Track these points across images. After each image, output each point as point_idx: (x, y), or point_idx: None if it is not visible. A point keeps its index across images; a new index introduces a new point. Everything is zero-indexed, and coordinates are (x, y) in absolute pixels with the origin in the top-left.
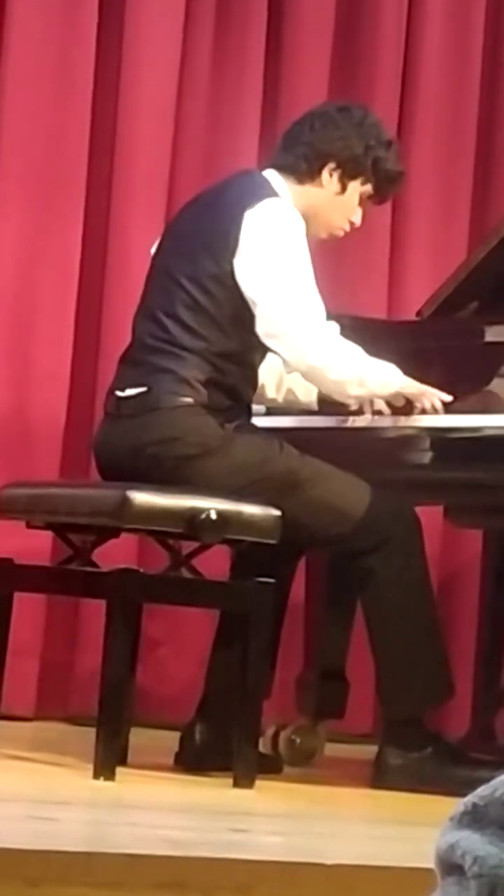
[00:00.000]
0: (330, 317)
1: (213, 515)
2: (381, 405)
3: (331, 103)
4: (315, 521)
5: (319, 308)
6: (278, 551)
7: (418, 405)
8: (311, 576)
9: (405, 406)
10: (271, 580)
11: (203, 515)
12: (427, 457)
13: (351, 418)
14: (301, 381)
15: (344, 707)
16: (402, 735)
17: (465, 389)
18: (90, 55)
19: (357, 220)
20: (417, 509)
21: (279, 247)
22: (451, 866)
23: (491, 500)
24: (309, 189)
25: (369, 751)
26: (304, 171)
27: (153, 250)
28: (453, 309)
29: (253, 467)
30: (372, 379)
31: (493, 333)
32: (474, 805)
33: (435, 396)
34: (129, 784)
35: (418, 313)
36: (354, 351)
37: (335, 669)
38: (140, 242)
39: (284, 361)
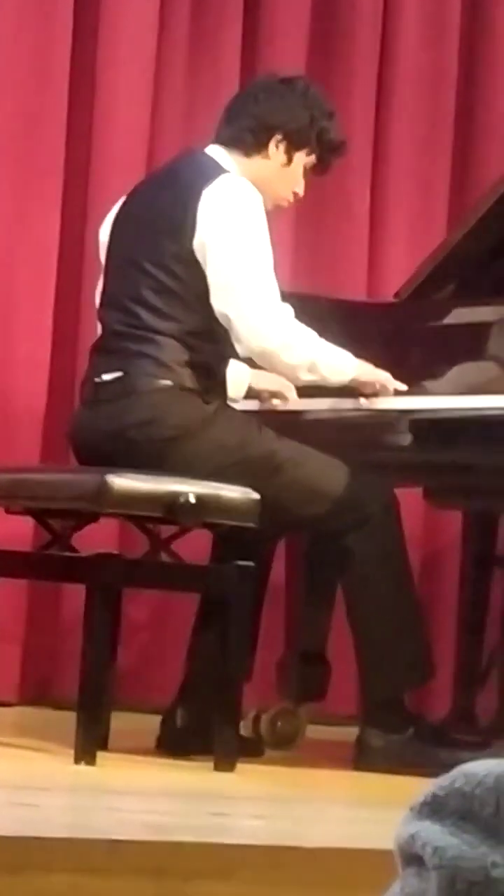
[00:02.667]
0: (284, 297)
1: (192, 499)
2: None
3: (272, 75)
4: (294, 501)
5: (274, 290)
6: (257, 534)
7: (368, 391)
8: (290, 558)
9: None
10: (251, 563)
11: (182, 499)
12: (406, 439)
13: (329, 401)
14: (231, 374)
15: (325, 689)
16: (383, 717)
17: (442, 371)
18: (67, 41)
19: (300, 190)
20: (397, 491)
21: (237, 225)
22: (411, 857)
23: (469, 482)
24: (255, 161)
25: (351, 733)
26: (251, 143)
27: (104, 237)
28: (431, 290)
29: (232, 449)
30: (324, 365)
31: (472, 315)
32: (434, 796)
33: (389, 383)
34: (111, 769)
35: (396, 295)
36: (307, 335)
37: (316, 652)
38: None
39: (237, 341)
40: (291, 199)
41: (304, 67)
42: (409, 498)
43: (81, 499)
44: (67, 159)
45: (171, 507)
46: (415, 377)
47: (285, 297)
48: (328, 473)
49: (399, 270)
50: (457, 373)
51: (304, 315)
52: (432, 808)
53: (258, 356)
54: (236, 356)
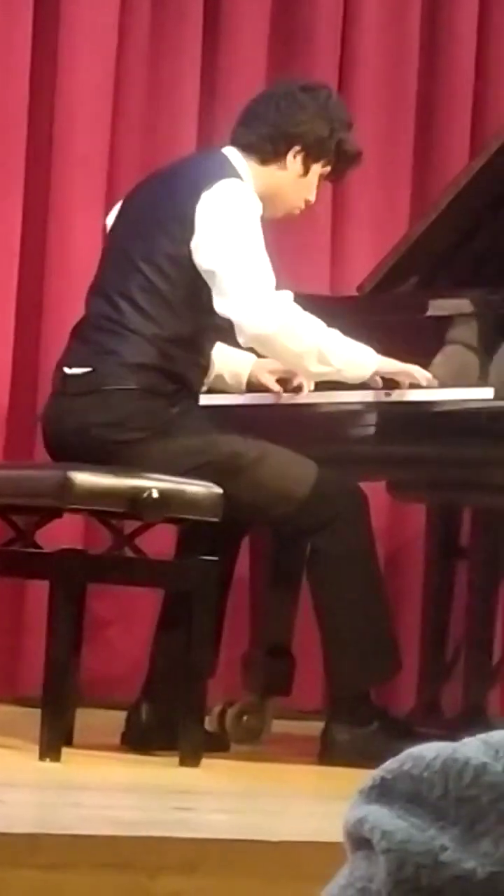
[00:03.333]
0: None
1: (155, 494)
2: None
3: (294, 81)
4: (261, 502)
5: (268, 275)
6: (222, 529)
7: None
8: (255, 553)
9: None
10: (215, 558)
11: (145, 494)
12: (369, 432)
13: (293, 395)
14: (228, 366)
15: (290, 684)
16: (349, 711)
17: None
18: (27, 34)
19: (312, 198)
20: (361, 484)
21: (234, 223)
22: (359, 841)
23: (433, 475)
24: (271, 170)
25: (316, 727)
26: (269, 152)
27: (109, 222)
28: (393, 284)
29: (196, 452)
30: (336, 355)
31: (434, 308)
32: (382, 779)
33: (417, 375)
34: (75, 765)
35: (359, 289)
36: (312, 322)
37: (281, 646)
38: (81, 222)
39: (240, 331)
40: (303, 206)
41: (266, 59)
42: (373, 491)
43: (45, 495)
44: (28, 155)
45: (135, 503)
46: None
47: None
48: (295, 473)
49: (361, 264)
50: (420, 366)
51: None
52: (381, 792)
53: (256, 342)
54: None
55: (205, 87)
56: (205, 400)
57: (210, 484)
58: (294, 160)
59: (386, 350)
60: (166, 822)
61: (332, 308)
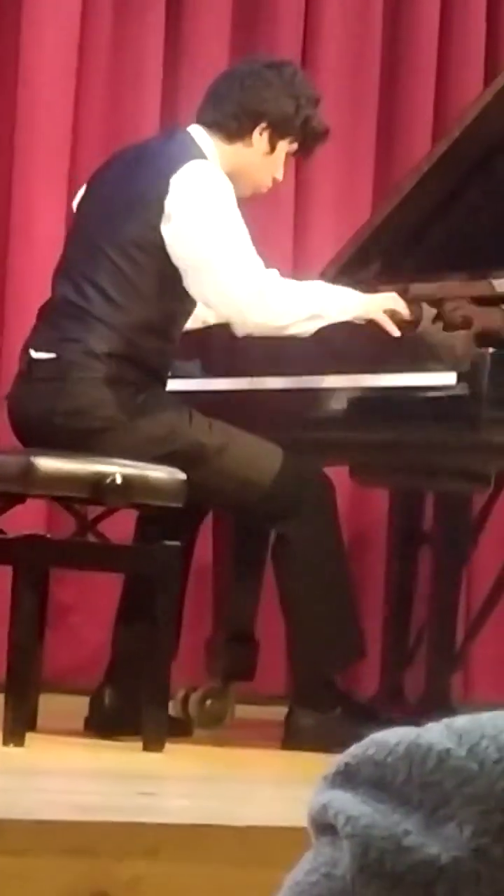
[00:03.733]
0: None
1: (119, 480)
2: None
3: (258, 59)
4: (227, 490)
5: (253, 259)
6: (181, 513)
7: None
8: (218, 537)
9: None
10: (177, 543)
11: (108, 480)
12: (332, 416)
13: (257, 379)
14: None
15: (254, 668)
16: (313, 696)
17: (368, 349)
18: None
19: (280, 176)
20: (325, 470)
21: (210, 210)
22: (324, 826)
23: (395, 460)
24: (238, 148)
25: (280, 712)
26: (234, 129)
27: (76, 202)
28: (357, 269)
29: (161, 441)
30: (328, 310)
31: (397, 293)
32: (346, 764)
33: (398, 305)
34: (39, 750)
35: (322, 274)
36: (300, 292)
37: (244, 631)
38: (44, 207)
39: (239, 325)
40: (270, 184)
41: (229, 43)
42: (336, 476)
43: (7, 480)
44: None
45: (98, 488)
46: (341, 356)
47: None
48: (261, 460)
49: (324, 249)
50: (382, 351)
51: None
52: (345, 777)
53: (257, 331)
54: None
55: (168, 67)
56: (171, 385)
57: (173, 469)
58: (260, 137)
59: (349, 335)
60: (130, 808)
61: None
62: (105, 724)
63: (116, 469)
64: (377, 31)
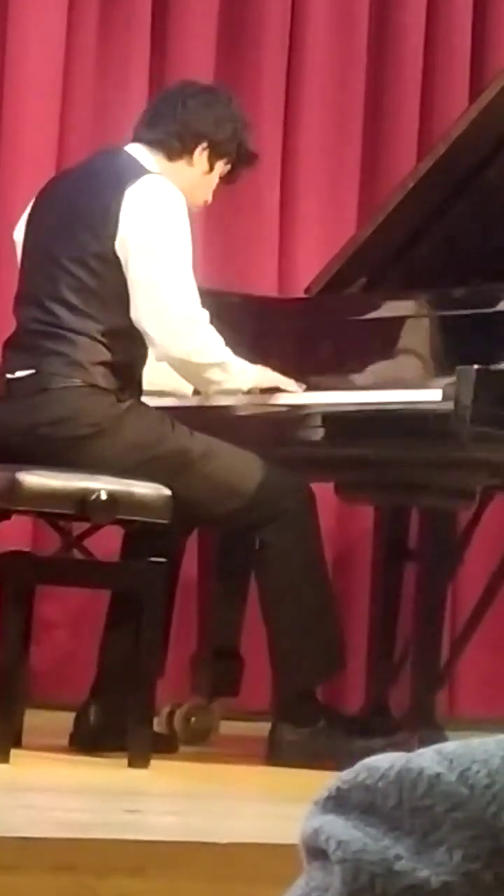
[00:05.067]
0: (206, 302)
1: (104, 496)
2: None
3: (195, 82)
4: (209, 497)
5: (195, 296)
6: (167, 530)
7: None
8: (203, 554)
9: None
10: (163, 560)
11: (93, 496)
12: (315, 434)
13: (242, 397)
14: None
15: (238, 685)
16: (295, 710)
17: (353, 366)
18: None
19: (210, 198)
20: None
21: (159, 228)
22: (315, 851)
23: (381, 477)
24: (180, 166)
25: (265, 728)
26: (177, 148)
27: (18, 235)
28: (341, 285)
29: (145, 447)
30: (233, 366)
31: (381, 310)
32: (338, 789)
33: (289, 386)
34: (24, 766)
35: (307, 290)
36: (219, 338)
37: (229, 647)
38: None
39: (154, 348)
40: (202, 205)
41: (214, 58)
42: (321, 492)
43: None
44: None
45: (84, 504)
46: (325, 372)
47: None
48: (242, 469)
49: (309, 266)
50: (368, 368)
51: (213, 311)
52: (336, 802)
53: (176, 362)
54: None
55: (153, 90)
56: (154, 402)
57: (159, 485)
58: (201, 157)
59: (334, 351)
60: (115, 824)
61: (280, 309)
62: (90, 740)
63: (102, 485)
64: (362, 49)
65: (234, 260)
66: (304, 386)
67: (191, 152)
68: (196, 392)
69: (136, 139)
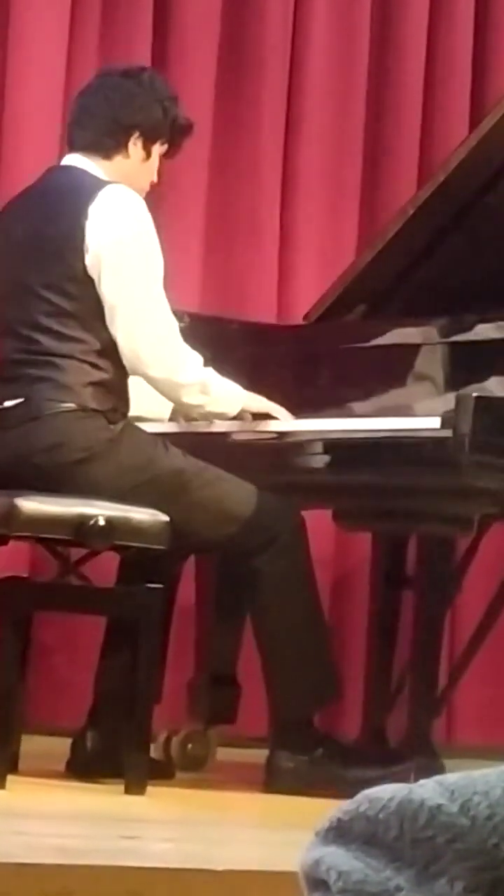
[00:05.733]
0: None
1: (101, 522)
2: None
3: (114, 70)
4: (202, 521)
5: (168, 313)
6: (163, 556)
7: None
8: (200, 580)
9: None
10: (159, 586)
11: (91, 522)
12: (313, 461)
13: (237, 423)
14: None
15: (235, 711)
16: (292, 737)
17: (351, 393)
18: None
19: (155, 179)
20: (307, 513)
21: (128, 245)
22: (316, 882)
23: (379, 504)
24: (118, 161)
25: (261, 755)
26: (111, 145)
27: None
28: (340, 313)
29: (140, 469)
30: (215, 388)
31: (380, 337)
32: (339, 820)
33: (280, 414)
34: (20, 792)
35: (305, 317)
36: (197, 356)
37: (226, 674)
38: None
39: (132, 368)
40: (148, 188)
41: (214, 84)
42: (319, 519)
43: None
44: None
45: (81, 530)
46: (324, 399)
47: (194, 319)
48: (236, 494)
49: (309, 292)
50: (366, 395)
51: (212, 337)
52: (337, 833)
53: (154, 381)
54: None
55: None
56: (146, 427)
57: (156, 511)
58: (135, 146)
59: (333, 378)
60: (111, 851)
61: (278, 336)
62: (87, 766)
63: (99, 511)
64: (363, 75)
65: (234, 286)
66: (291, 417)
67: (125, 145)
68: (174, 417)
69: (70, 145)
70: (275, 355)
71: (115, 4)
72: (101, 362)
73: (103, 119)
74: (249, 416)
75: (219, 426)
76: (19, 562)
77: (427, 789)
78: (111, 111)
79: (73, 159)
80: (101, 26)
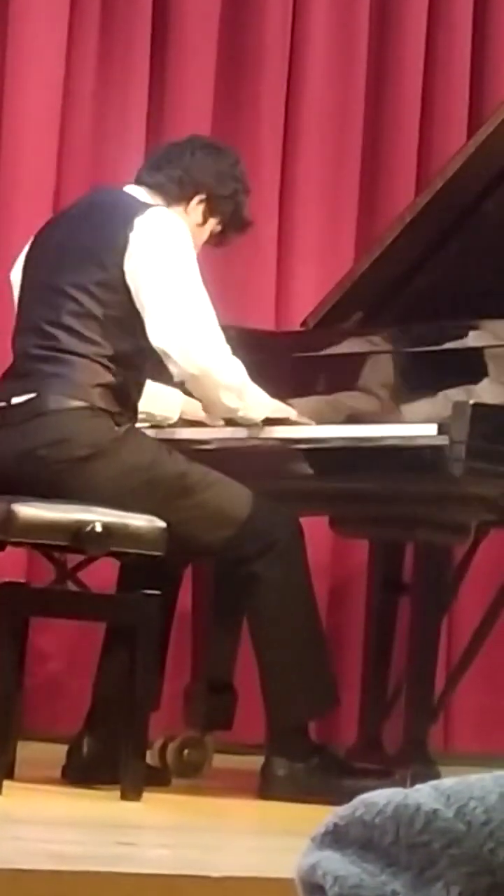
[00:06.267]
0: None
1: (99, 528)
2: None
3: (208, 138)
4: (203, 525)
5: (211, 314)
6: (164, 562)
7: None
8: (198, 586)
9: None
10: (157, 592)
11: (88, 528)
12: (311, 467)
13: (234, 430)
14: (159, 404)
15: (232, 718)
16: (288, 745)
17: (348, 400)
18: None
19: (198, 249)
20: (304, 520)
21: (170, 254)
22: (312, 886)
23: (375, 511)
24: (178, 211)
25: (257, 762)
26: (175, 194)
27: (16, 275)
28: (338, 319)
29: (143, 470)
30: (250, 394)
31: (377, 343)
32: (335, 825)
33: (299, 420)
34: (16, 798)
35: (303, 323)
36: (240, 364)
37: (223, 680)
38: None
39: (174, 365)
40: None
41: (212, 95)
42: (316, 526)
43: None
44: None
45: (78, 536)
46: (321, 406)
47: None
48: (236, 498)
49: (307, 299)
50: (364, 401)
51: None
52: (333, 838)
53: (195, 377)
54: (165, 381)
55: (151, 120)
56: (147, 433)
57: (153, 517)
58: (196, 207)
59: (330, 385)
60: (107, 857)
61: (276, 343)
62: (83, 772)
63: (97, 517)
64: (361, 83)
65: (232, 293)
66: (313, 422)
67: (188, 200)
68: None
69: (137, 181)
70: (272, 362)
71: (113, 12)
72: (113, 367)
73: (180, 168)
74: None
75: (214, 435)
76: (17, 567)
77: (423, 794)
78: (190, 163)
79: (132, 188)
80: (100, 31)
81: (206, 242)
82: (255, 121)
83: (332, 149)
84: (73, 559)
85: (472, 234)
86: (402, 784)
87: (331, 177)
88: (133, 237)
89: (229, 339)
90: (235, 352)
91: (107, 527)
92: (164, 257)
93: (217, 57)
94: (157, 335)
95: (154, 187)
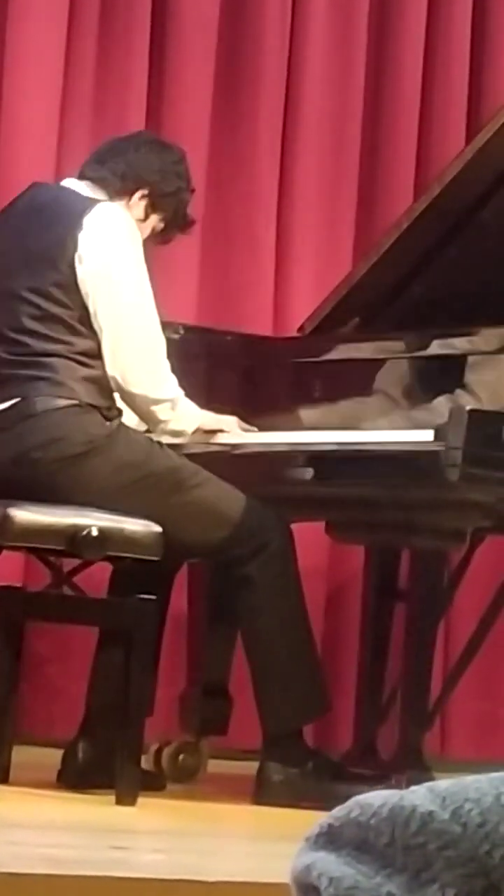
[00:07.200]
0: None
1: (95, 532)
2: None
3: (152, 134)
4: (195, 522)
5: (157, 332)
6: (157, 566)
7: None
8: (192, 591)
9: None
10: (152, 597)
11: (84, 532)
12: (307, 473)
13: (229, 435)
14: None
15: (227, 723)
16: (282, 750)
17: (345, 406)
18: None
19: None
20: (299, 525)
21: (120, 262)
22: (307, 887)
23: (371, 517)
24: (117, 204)
25: (253, 767)
26: (117, 187)
27: None
28: (335, 325)
29: (137, 465)
30: (182, 406)
31: (374, 349)
32: (330, 826)
33: (235, 427)
34: (11, 802)
35: (300, 329)
36: (174, 377)
37: (218, 686)
38: None
39: (113, 381)
40: None
41: (210, 105)
42: (312, 532)
43: None
44: None
45: (74, 540)
46: (318, 412)
47: (189, 330)
48: (228, 498)
49: (304, 304)
50: (360, 407)
51: (206, 349)
52: (328, 839)
53: (133, 396)
54: None
55: (149, 128)
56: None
57: (149, 522)
58: (138, 203)
59: (327, 391)
60: (102, 861)
61: (273, 348)
62: (78, 777)
63: (92, 521)
64: (359, 87)
65: (229, 298)
66: (255, 429)
67: (130, 194)
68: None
69: (80, 175)
70: (269, 367)
71: (112, 13)
72: (89, 361)
73: (123, 163)
74: (201, 433)
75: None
76: (12, 571)
77: (419, 796)
78: (134, 158)
79: (72, 183)
80: (100, 32)
81: (150, 240)
82: (254, 124)
83: (330, 154)
84: (69, 563)
85: (470, 239)
86: (398, 788)
87: (328, 182)
88: (82, 238)
89: (226, 345)
90: (232, 358)
91: (103, 531)
92: (114, 264)
93: (216, 59)
94: (112, 365)
95: (96, 181)
